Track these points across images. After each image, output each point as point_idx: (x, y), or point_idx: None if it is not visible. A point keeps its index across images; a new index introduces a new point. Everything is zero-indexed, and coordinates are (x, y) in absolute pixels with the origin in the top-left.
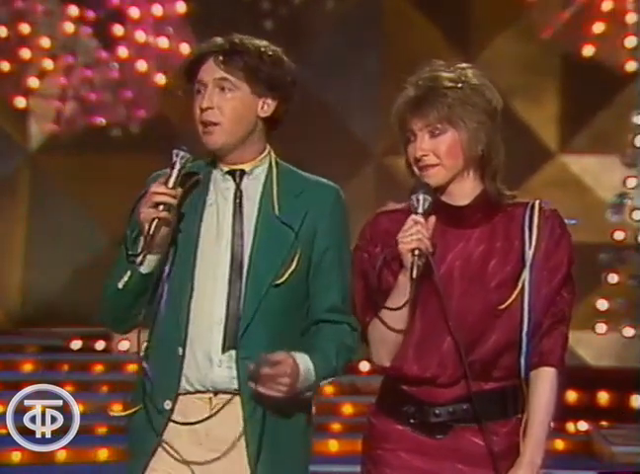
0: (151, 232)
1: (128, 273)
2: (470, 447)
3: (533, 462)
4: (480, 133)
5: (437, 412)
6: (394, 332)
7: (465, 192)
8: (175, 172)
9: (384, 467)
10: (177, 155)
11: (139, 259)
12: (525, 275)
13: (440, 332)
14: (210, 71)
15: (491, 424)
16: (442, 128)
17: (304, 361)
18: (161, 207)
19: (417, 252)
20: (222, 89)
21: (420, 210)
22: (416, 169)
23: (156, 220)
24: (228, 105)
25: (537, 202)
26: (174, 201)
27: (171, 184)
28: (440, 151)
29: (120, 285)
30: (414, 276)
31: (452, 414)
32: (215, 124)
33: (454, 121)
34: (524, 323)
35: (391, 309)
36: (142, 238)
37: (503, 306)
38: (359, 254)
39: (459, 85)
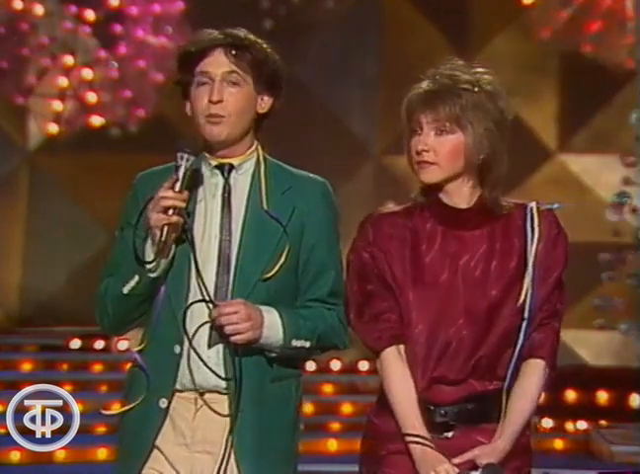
0: (163, 238)
1: (136, 277)
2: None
3: (504, 450)
4: (485, 141)
5: (442, 412)
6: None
7: (464, 195)
8: (181, 175)
9: (389, 468)
10: (182, 158)
11: (153, 265)
12: (529, 272)
13: (448, 332)
14: (219, 64)
15: (496, 424)
16: (450, 128)
17: (269, 310)
18: (170, 212)
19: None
20: (231, 83)
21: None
22: (414, 163)
23: (167, 226)
24: (234, 99)
25: (534, 203)
26: (183, 205)
27: (178, 187)
28: (441, 151)
29: (126, 290)
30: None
31: (458, 414)
32: (222, 117)
33: (463, 124)
34: (525, 319)
35: None
36: (154, 244)
37: (518, 304)
38: (358, 254)
39: (475, 89)
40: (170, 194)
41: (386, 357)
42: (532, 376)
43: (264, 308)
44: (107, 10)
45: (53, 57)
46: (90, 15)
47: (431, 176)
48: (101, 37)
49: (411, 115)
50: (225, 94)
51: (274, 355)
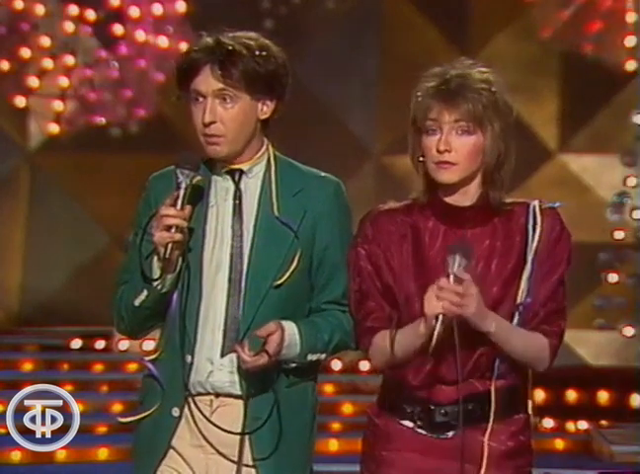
0: (167, 255)
1: (145, 292)
2: (477, 447)
3: (484, 317)
4: (501, 141)
5: (442, 411)
6: (397, 356)
7: (470, 193)
8: (182, 192)
9: (389, 468)
10: (182, 173)
11: (159, 282)
12: (527, 269)
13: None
14: (208, 83)
15: (496, 423)
16: (472, 128)
17: (290, 327)
18: (173, 230)
19: (441, 318)
20: (223, 99)
21: (454, 270)
22: (429, 162)
23: (171, 244)
24: (230, 115)
25: (537, 202)
26: (185, 224)
27: (179, 205)
28: (463, 151)
29: (137, 303)
30: (433, 342)
31: (459, 414)
32: (219, 137)
33: (484, 124)
34: (516, 315)
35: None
36: (159, 261)
37: (518, 302)
38: (357, 250)
39: (492, 88)
40: (172, 211)
41: (374, 341)
42: (536, 336)
43: (287, 327)
44: (107, 10)
45: (54, 57)
46: (90, 15)
47: (450, 176)
48: (101, 37)
49: (425, 113)
50: (219, 112)
51: (293, 365)
